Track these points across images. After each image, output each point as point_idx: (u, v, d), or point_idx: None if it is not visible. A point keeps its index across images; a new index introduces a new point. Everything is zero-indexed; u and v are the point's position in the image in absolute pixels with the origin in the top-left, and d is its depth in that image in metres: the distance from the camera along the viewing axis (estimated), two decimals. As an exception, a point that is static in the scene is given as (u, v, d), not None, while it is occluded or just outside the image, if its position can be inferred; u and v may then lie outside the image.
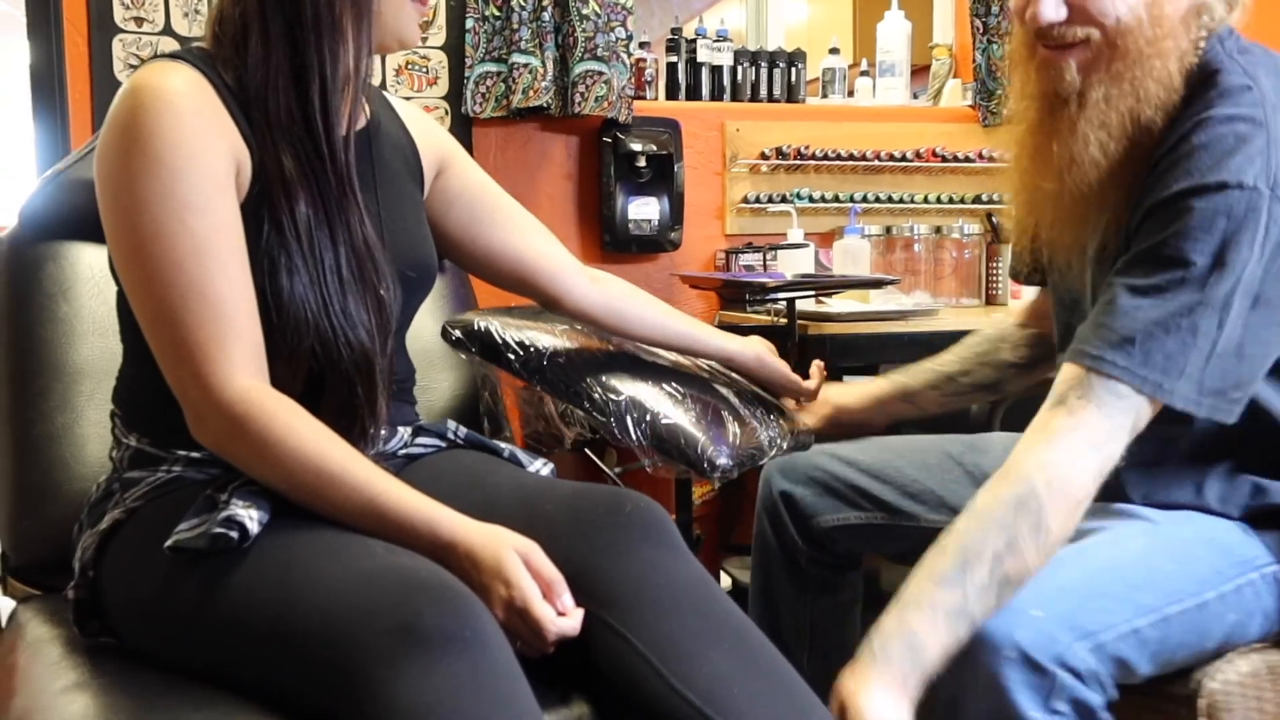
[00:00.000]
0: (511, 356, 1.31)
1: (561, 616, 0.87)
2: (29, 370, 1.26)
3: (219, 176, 0.93)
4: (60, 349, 1.27)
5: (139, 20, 2.13)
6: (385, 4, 0.99)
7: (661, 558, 0.94)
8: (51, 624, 1.05)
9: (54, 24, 2.10)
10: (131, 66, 2.12)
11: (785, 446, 1.31)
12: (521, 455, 1.20)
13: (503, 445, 1.21)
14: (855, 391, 1.44)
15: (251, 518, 0.87)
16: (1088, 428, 0.97)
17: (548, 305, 1.30)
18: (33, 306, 1.28)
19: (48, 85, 2.12)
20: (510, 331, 1.33)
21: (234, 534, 0.86)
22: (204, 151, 0.92)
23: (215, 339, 0.90)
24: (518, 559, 0.87)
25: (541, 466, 1.19)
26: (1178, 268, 0.97)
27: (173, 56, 0.97)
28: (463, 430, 1.21)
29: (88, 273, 1.31)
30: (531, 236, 1.25)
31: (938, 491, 1.32)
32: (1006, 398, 1.50)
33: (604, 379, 1.26)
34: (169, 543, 0.88)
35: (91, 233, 1.31)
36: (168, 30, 2.14)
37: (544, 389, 1.32)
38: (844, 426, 1.43)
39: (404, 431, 1.15)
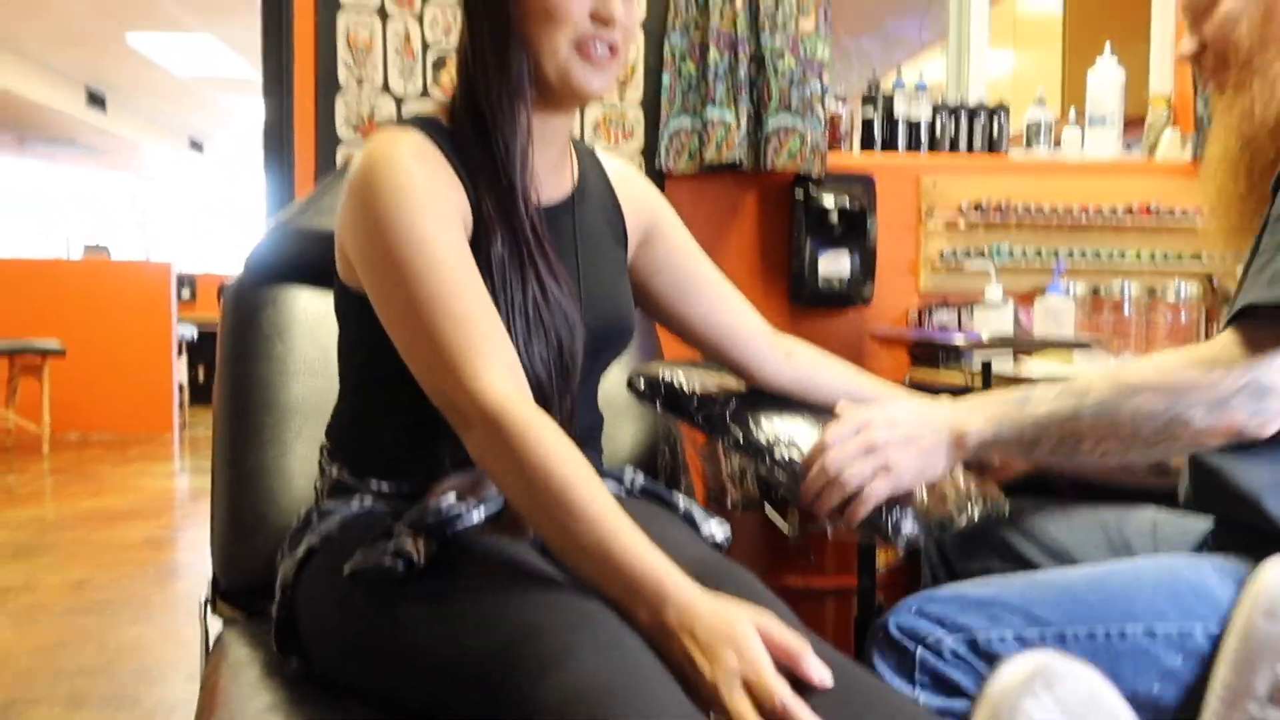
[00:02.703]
0: (695, 409, 1.31)
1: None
2: (246, 406, 1.35)
3: (450, 216, 1.00)
4: (274, 387, 1.36)
5: (360, 81, 2.27)
6: (545, 61, 1.02)
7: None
8: (251, 647, 1.11)
9: (285, 84, 2.28)
10: (351, 125, 2.27)
11: (977, 516, 1.25)
12: (697, 512, 1.19)
13: (679, 498, 1.20)
14: None
15: (419, 550, 0.90)
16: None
17: (739, 375, 1.32)
18: (252, 346, 1.38)
19: (276, 140, 2.29)
20: (695, 384, 1.33)
21: (399, 566, 0.89)
22: (434, 198, 0.99)
23: (473, 349, 0.93)
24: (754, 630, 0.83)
25: (716, 526, 1.18)
26: None
27: (400, 124, 1.06)
28: (640, 479, 1.21)
29: (302, 315, 1.40)
30: (732, 312, 1.28)
31: None
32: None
33: (789, 437, 1.24)
34: (347, 567, 0.93)
35: (308, 278, 1.41)
36: (385, 89, 2.28)
37: (726, 444, 1.30)
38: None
39: None
